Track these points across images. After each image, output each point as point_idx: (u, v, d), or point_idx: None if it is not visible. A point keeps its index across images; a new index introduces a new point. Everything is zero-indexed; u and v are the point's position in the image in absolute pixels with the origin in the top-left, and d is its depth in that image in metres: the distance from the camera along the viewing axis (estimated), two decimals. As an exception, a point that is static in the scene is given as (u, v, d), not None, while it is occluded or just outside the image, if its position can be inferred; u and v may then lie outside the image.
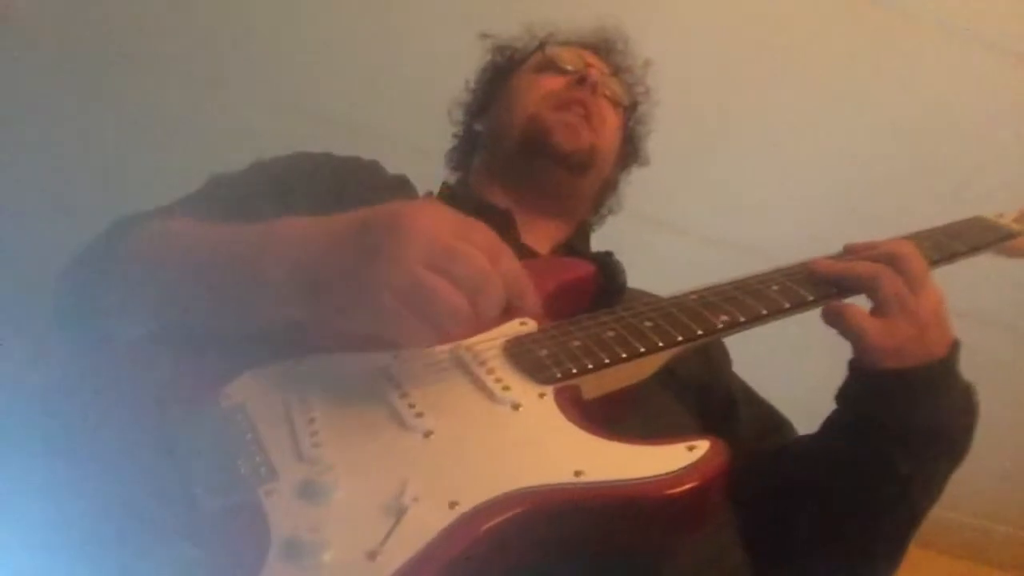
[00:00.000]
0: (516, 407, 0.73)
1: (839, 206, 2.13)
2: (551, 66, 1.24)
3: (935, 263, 0.94)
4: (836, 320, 0.87)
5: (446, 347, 0.80)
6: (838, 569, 0.95)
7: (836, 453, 0.93)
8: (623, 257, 1.00)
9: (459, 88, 1.39)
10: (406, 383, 0.75)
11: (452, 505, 0.61)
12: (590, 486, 0.64)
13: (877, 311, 0.86)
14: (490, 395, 0.73)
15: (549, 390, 0.74)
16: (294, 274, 0.70)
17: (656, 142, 1.39)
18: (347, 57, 1.98)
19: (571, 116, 1.17)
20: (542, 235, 1.18)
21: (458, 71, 1.37)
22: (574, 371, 0.77)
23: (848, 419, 0.92)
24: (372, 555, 0.57)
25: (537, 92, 1.21)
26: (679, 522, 0.67)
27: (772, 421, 1.09)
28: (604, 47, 1.32)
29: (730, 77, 2.06)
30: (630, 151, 1.34)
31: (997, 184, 1.99)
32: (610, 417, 0.76)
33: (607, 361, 0.78)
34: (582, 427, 0.70)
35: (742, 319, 0.84)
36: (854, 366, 0.90)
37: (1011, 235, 1.03)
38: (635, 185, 1.38)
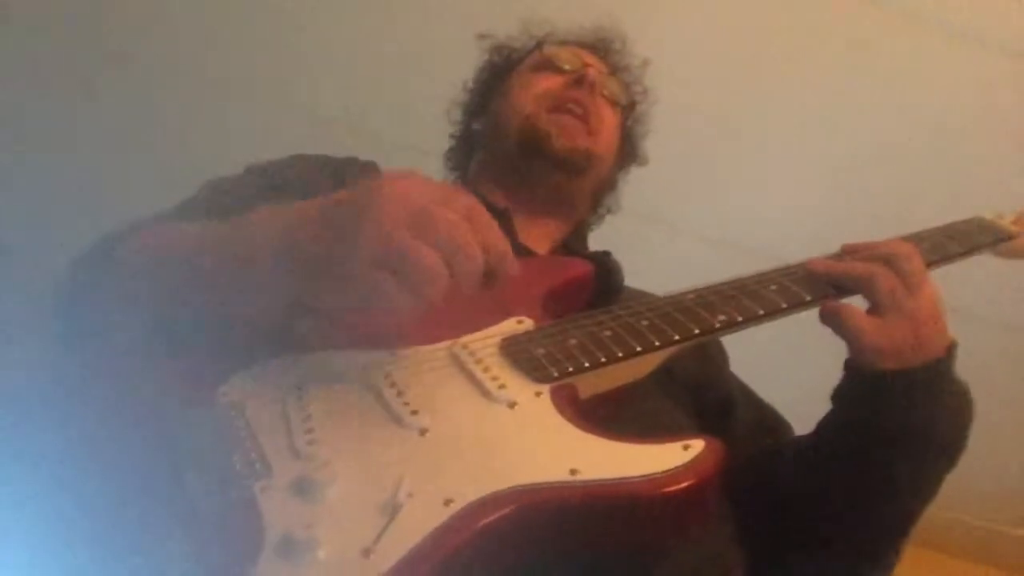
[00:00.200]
0: (512, 405, 0.72)
1: (838, 206, 2.13)
2: (549, 65, 1.24)
3: (933, 264, 0.94)
4: (833, 320, 0.87)
5: (443, 345, 0.80)
6: (834, 568, 0.96)
7: (831, 453, 0.93)
8: (621, 256, 1.00)
9: (458, 88, 1.38)
10: (402, 380, 0.74)
11: (447, 503, 0.61)
12: (585, 484, 0.64)
13: (874, 311, 0.86)
14: (486, 393, 0.73)
15: (545, 389, 0.74)
16: (280, 256, 0.69)
17: (655, 142, 1.39)
18: (347, 57, 1.99)
19: (568, 118, 1.17)
20: (540, 235, 1.18)
21: (457, 71, 1.37)
22: (571, 370, 0.77)
23: (843, 419, 0.92)
24: (366, 553, 0.57)
25: (534, 91, 1.20)
26: (674, 521, 0.67)
27: (769, 421, 1.09)
28: (602, 46, 1.32)
29: (729, 77, 2.06)
30: (628, 151, 1.34)
31: (997, 184, 1.99)
32: (606, 416, 0.76)
33: (604, 360, 0.78)
34: (578, 426, 0.70)
35: (739, 319, 0.84)
36: (850, 366, 0.90)
37: (1010, 236, 1.03)
38: (633, 184, 1.38)
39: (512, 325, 0.84)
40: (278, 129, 1.91)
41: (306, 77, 1.98)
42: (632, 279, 1.00)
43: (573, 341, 0.80)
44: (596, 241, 1.28)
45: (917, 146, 2.14)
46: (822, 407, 0.94)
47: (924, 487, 0.90)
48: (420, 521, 0.59)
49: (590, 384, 0.78)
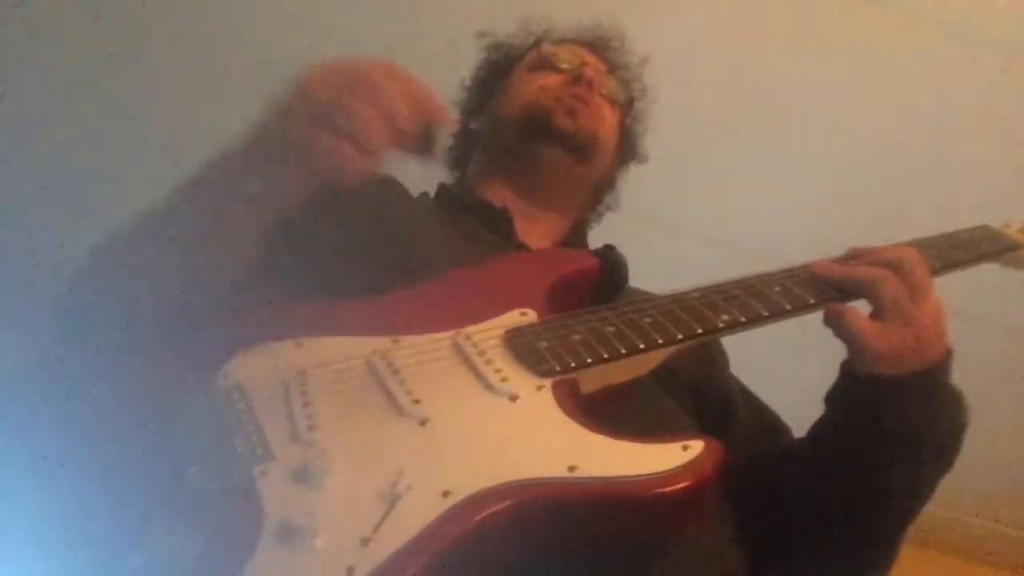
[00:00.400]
0: (513, 398, 0.73)
1: (837, 206, 2.12)
2: (547, 64, 1.23)
3: (938, 271, 0.94)
4: (835, 322, 0.87)
5: (446, 334, 0.80)
6: (831, 569, 0.96)
7: (824, 455, 0.93)
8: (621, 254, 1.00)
9: (457, 87, 1.38)
10: (404, 369, 0.75)
11: (445, 494, 0.61)
12: (583, 481, 0.64)
13: (876, 316, 0.86)
14: (488, 385, 0.74)
15: (547, 383, 0.75)
16: (249, 158, 0.79)
17: (655, 141, 1.38)
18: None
19: (573, 103, 1.17)
20: (540, 232, 1.17)
21: (457, 71, 1.36)
22: (573, 365, 0.77)
23: (835, 421, 0.92)
24: (364, 542, 0.57)
25: (534, 87, 1.20)
26: (672, 520, 0.67)
27: (769, 423, 1.09)
28: (600, 44, 1.31)
29: (730, 77, 2.05)
30: (627, 149, 1.34)
31: (997, 185, 1.99)
32: (607, 412, 0.77)
33: (606, 356, 0.78)
34: (578, 422, 0.70)
35: (743, 319, 0.84)
36: (846, 369, 0.90)
37: (1016, 246, 1.03)
38: (633, 184, 1.37)
39: (516, 317, 0.84)
40: None
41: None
42: (632, 279, 0.99)
43: (576, 336, 0.80)
44: (595, 240, 1.28)
45: (917, 146, 2.13)
46: (821, 409, 0.94)
47: (917, 490, 0.91)
48: (418, 512, 0.60)
49: (592, 379, 0.78)
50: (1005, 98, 2.12)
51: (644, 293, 0.97)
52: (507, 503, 0.61)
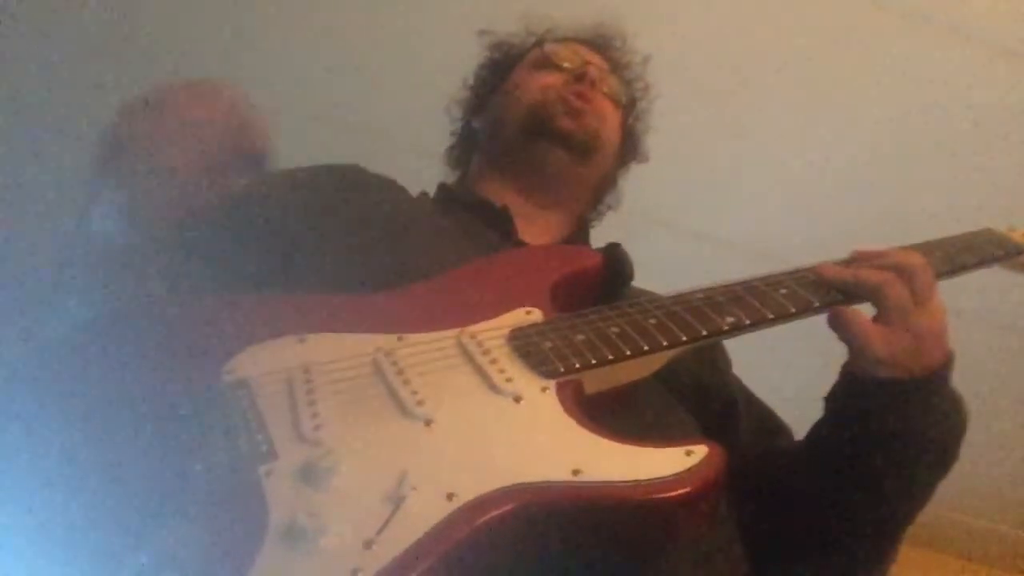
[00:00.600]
0: (518, 399, 0.73)
1: (841, 206, 2.12)
2: (549, 63, 1.23)
3: (944, 275, 0.94)
4: (838, 324, 0.87)
5: (451, 333, 0.80)
6: (829, 570, 0.97)
7: (822, 456, 0.94)
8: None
9: (459, 86, 1.37)
10: (409, 369, 0.75)
11: (449, 497, 0.61)
12: (587, 485, 0.64)
13: (880, 319, 0.86)
14: (492, 386, 0.74)
15: (551, 384, 0.75)
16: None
17: (658, 140, 1.37)
18: (348, 57, 1.97)
19: (575, 101, 1.16)
20: (541, 231, 1.16)
21: (458, 70, 1.36)
22: (577, 366, 0.77)
23: (834, 423, 0.93)
24: (368, 544, 0.58)
25: (536, 87, 1.19)
26: (674, 524, 0.68)
27: (770, 425, 1.10)
28: (602, 43, 1.30)
29: (731, 77, 2.05)
30: (629, 148, 1.33)
31: (998, 185, 1.99)
32: (611, 412, 0.77)
33: (611, 357, 0.78)
34: (582, 424, 0.71)
35: (747, 322, 0.84)
36: (846, 371, 0.90)
37: (1021, 251, 1.03)
38: (635, 183, 1.37)
39: (521, 316, 0.84)
40: (279, 128, 1.90)
41: (307, 77, 1.96)
42: (635, 279, 0.99)
43: (580, 337, 0.80)
44: (597, 239, 1.28)
45: (919, 146, 2.13)
46: (821, 410, 0.95)
47: (915, 493, 0.91)
48: (422, 515, 0.60)
49: (596, 380, 0.78)
50: (1007, 98, 2.11)
51: (648, 293, 0.97)
52: (511, 506, 0.62)
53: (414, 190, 1.22)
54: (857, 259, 0.93)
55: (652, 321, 0.83)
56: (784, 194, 2.15)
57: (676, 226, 2.14)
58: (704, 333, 0.83)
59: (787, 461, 0.99)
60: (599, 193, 1.31)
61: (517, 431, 0.70)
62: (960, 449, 0.91)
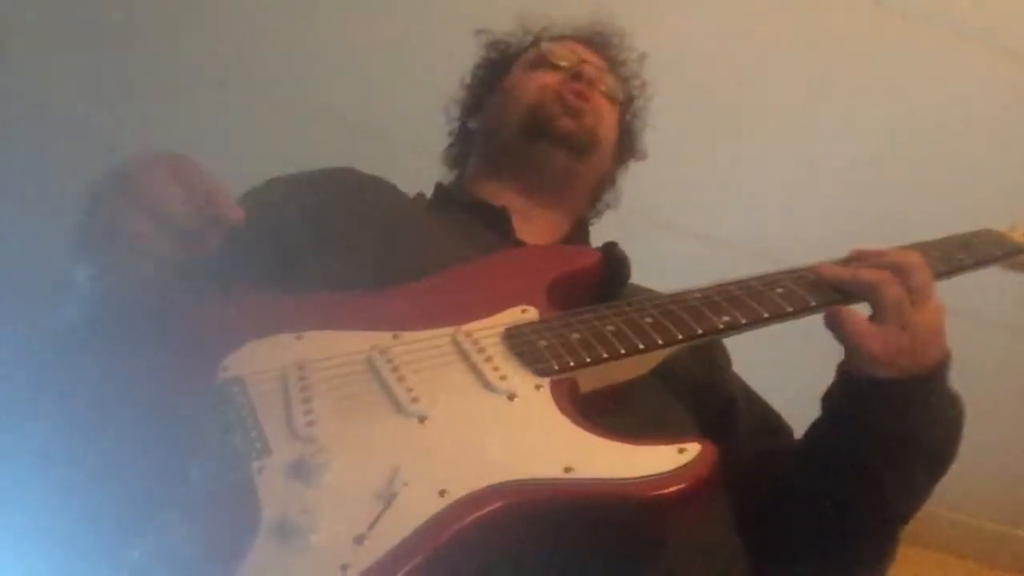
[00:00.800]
0: (512, 397, 0.73)
1: (839, 205, 2.12)
2: (545, 62, 1.23)
3: (942, 275, 0.94)
4: (834, 324, 0.87)
5: (447, 331, 0.81)
6: (827, 568, 0.97)
7: (819, 455, 0.94)
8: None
9: (456, 85, 1.37)
10: (404, 366, 0.75)
11: (441, 493, 0.62)
12: (579, 483, 0.64)
13: (876, 318, 0.86)
14: (487, 384, 0.74)
15: (546, 382, 0.75)
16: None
17: (656, 139, 1.37)
18: (347, 57, 1.97)
19: (573, 100, 1.16)
20: (539, 231, 1.16)
21: (458, 70, 1.36)
22: (572, 364, 0.77)
23: (831, 422, 0.93)
24: (359, 539, 0.58)
25: (533, 86, 1.20)
26: (667, 521, 0.68)
27: (770, 423, 1.09)
28: (599, 41, 1.30)
29: (730, 77, 2.05)
30: (627, 146, 1.33)
31: (997, 184, 1.98)
32: (606, 411, 0.77)
33: (605, 356, 0.78)
34: (575, 422, 0.71)
35: (743, 321, 0.84)
36: (843, 370, 0.90)
37: (1020, 250, 1.03)
38: (634, 182, 1.37)
39: (516, 314, 0.84)
40: (279, 128, 1.92)
41: (307, 77, 1.96)
42: (633, 277, 0.99)
43: (576, 335, 0.80)
44: (596, 239, 1.28)
45: (918, 146, 2.12)
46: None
47: (911, 492, 0.91)
48: (414, 511, 0.60)
49: (591, 378, 0.78)
50: (1007, 98, 2.11)
51: (646, 291, 0.97)
52: (502, 503, 0.62)
53: (414, 189, 1.23)
54: (855, 258, 0.93)
55: (648, 320, 0.83)
56: (784, 194, 2.15)
57: (676, 226, 2.14)
58: (700, 332, 0.83)
59: (786, 460, 0.99)
60: (598, 192, 1.31)
61: (510, 429, 0.70)
62: (958, 448, 0.91)
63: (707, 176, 2.11)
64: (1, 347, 0.72)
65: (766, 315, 0.85)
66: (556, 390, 0.74)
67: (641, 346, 0.80)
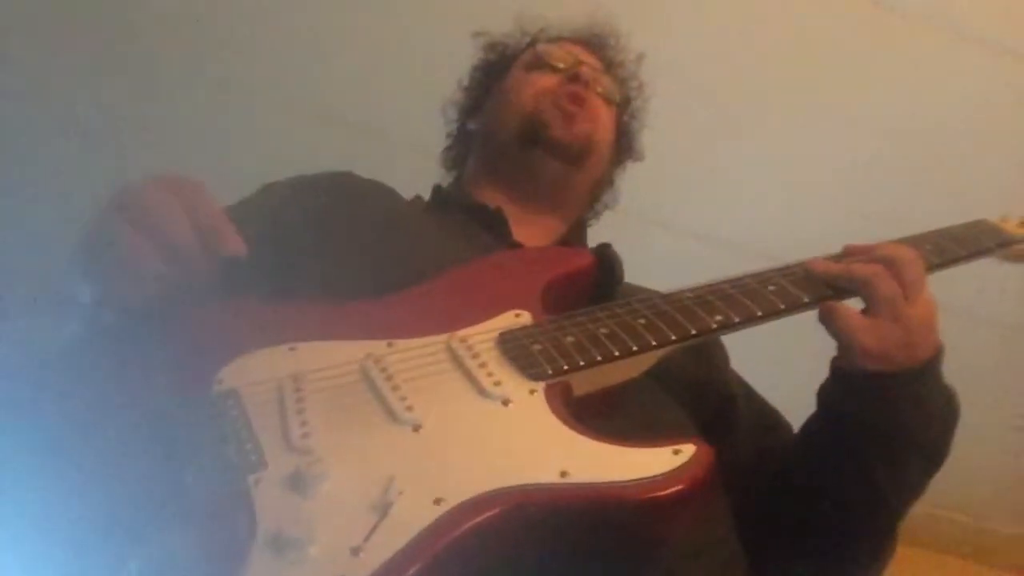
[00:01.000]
0: (506, 403, 0.73)
1: (837, 205, 2.12)
2: (542, 64, 1.23)
3: (935, 267, 0.94)
4: (828, 319, 0.87)
5: (440, 338, 0.81)
6: (824, 564, 0.97)
7: (814, 450, 0.94)
8: (620, 254, 1.00)
9: (454, 87, 1.37)
10: (398, 374, 0.75)
11: (437, 502, 0.62)
12: (575, 487, 0.64)
13: (869, 312, 0.86)
14: (481, 390, 0.74)
15: (540, 387, 0.75)
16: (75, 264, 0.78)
17: (654, 139, 1.37)
18: (347, 57, 1.97)
19: (569, 105, 1.16)
20: (536, 233, 1.17)
21: (458, 70, 1.36)
22: (566, 368, 0.77)
23: (825, 417, 0.93)
24: (356, 551, 0.58)
25: (530, 90, 1.20)
26: (664, 523, 0.68)
27: (769, 420, 1.10)
28: (596, 42, 1.30)
29: (729, 76, 2.05)
30: (624, 147, 1.33)
31: (997, 184, 1.98)
32: (601, 413, 0.77)
33: (599, 359, 0.79)
34: (570, 426, 0.71)
35: (736, 320, 0.84)
36: (836, 365, 0.90)
37: (1013, 241, 1.03)
38: (631, 183, 1.37)
39: (510, 319, 0.84)
40: (279, 128, 1.92)
41: (307, 77, 1.97)
42: (629, 278, 1.00)
43: (570, 338, 0.80)
44: (594, 239, 1.28)
45: (918, 146, 2.12)
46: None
47: (904, 488, 0.92)
48: (410, 520, 0.60)
49: (585, 381, 0.78)
50: (1006, 98, 2.11)
51: (642, 290, 0.97)
52: (499, 509, 0.62)
53: (414, 190, 1.23)
54: (848, 254, 0.94)
55: (641, 321, 0.83)
56: (784, 194, 2.15)
57: (675, 226, 2.14)
58: (693, 332, 0.83)
59: (783, 457, 1.00)
60: (595, 194, 1.31)
61: (505, 434, 0.70)
62: (952, 440, 0.91)
63: (706, 176, 2.11)
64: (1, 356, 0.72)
65: (759, 313, 0.85)
66: (550, 394, 0.74)
67: (635, 347, 0.80)
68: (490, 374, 0.75)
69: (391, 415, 0.70)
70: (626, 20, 1.34)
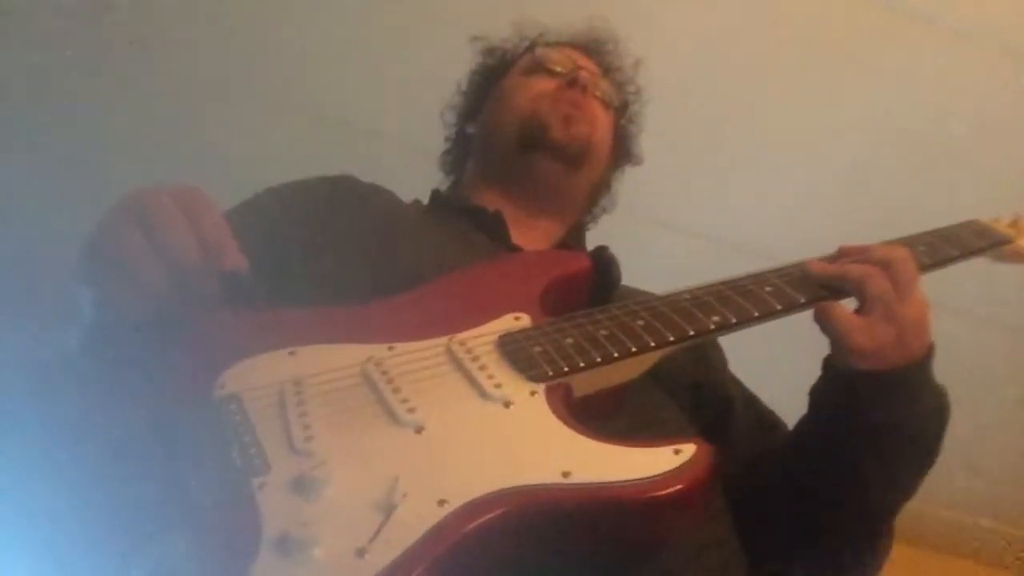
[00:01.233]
0: (507, 405, 0.73)
1: (836, 205, 2.13)
2: (541, 68, 1.24)
3: (928, 267, 0.95)
4: (822, 319, 0.88)
5: (440, 340, 0.81)
6: (821, 562, 0.98)
7: (807, 449, 0.95)
8: (618, 255, 1.00)
9: (452, 91, 1.38)
10: (399, 378, 0.75)
11: (440, 503, 0.62)
12: (577, 487, 0.65)
13: (862, 311, 0.87)
14: (482, 392, 0.74)
15: (540, 388, 0.75)
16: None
17: (653, 140, 1.38)
18: (347, 57, 1.98)
19: (567, 108, 1.17)
20: (535, 236, 1.17)
21: (458, 71, 1.37)
22: (566, 369, 0.78)
23: (818, 416, 0.94)
24: (361, 552, 0.58)
25: (529, 94, 1.21)
26: (665, 522, 0.69)
27: (767, 422, 1.10)
28: (594, 47, 1.31)
29: (727, 76, 2.05)
30: (622, 151, 1.34)
31: (996, 184, 1.99)
32: (601, 414, 0.78)
33: (599, 360, 0.79)
34: (571, 427, 0.71)
35: (734, 320, 0.85)
36: (828, 364, 0.91)
37: (1005, 240, 1.04)
38: (630, 184, 1.38)
39: (510, 321, 0.85)
40: (279, 129, 1.92)
41: (307, 77, 1.97)
42: (628, 278, 1.00)
43: (569, 340, 0.81)
44: (593, 241, 1.28)
45: (916, 146, 2.13)
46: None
47: (898, 484, 0.92)
48: (414, 521, 0.61)
49: (585, 383, 0.79)
50: (1005, 98, 2.12)
51: (640, 292, 0.98)
52: (502, 510, 0.62)
53: (414, 193, 1.23)
54: (842, 255, 0.94)
55: (640, 323, 0.84)
56: (783, 194, 2.15)
57: (675, 226, 2.15)
58: (691, 333, 0.83)
59: (777, 456, 1.00)
60: (594, 197, 1.32)
61: (507, 436, 0.71)
62: (943, 438, 0.92)
63: (707, 176, 2.12)
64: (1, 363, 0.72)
65: (756, 314, 0.86)
66: (551, 395, 0.75)
67: (633, 349, 0.81)
68: (491, 376, 0.76)
69: (393, 417, 0.71)
70: (624, 24, 1.34)
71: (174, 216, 0.73)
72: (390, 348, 0.80)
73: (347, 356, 0.78)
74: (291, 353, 0.78)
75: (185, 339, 0.77)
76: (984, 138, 2.12)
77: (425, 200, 1.26)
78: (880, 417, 0.87)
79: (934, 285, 0.92)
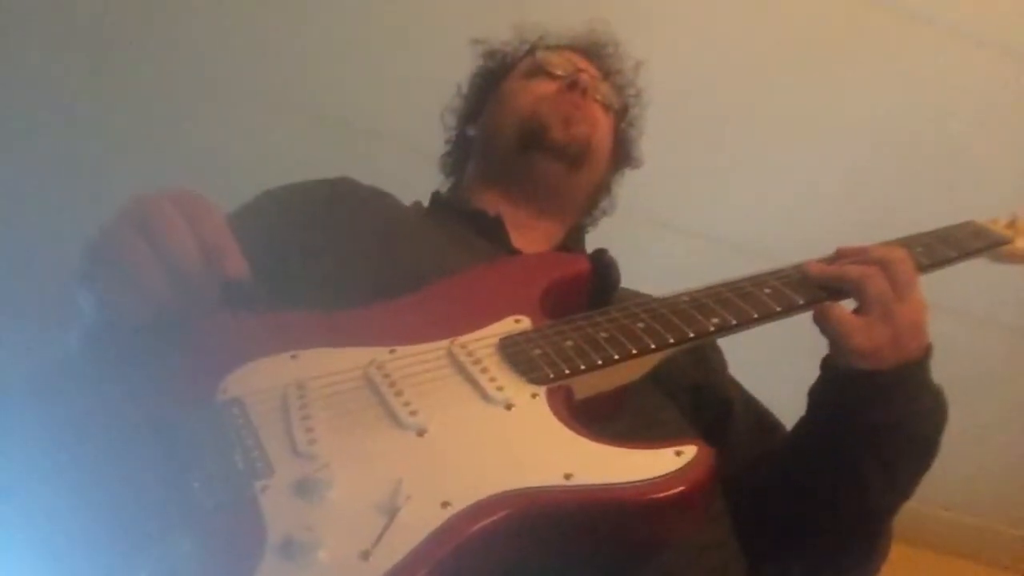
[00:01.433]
0: (509, 407, 0.74)
1: (836, 205, 2.13)
2: (541, 71, 1.24)
3: (926, 268, 0.95)
4: (821, 320, 0.89)
5: (442, 343, 0.81)
6: (820, 562, 0.98)
7: (805, 449, 0.95)
8: (617, 257, 1.01)
9: (453, 94, 1.38)
10: (401, 380, 0.76)
11: (444, 505, 0.62)
12: (579, 489, 0.65)
13: (861, 312, 0.88)
14: (484, 394, 0.75)
15: (541, 390, 0.76)
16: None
17: (653, 141, 1.38)
18: (347, 57, 1.98)
19: (568, 109, 1.18)
20: (534, 239, 1.18)
21: (458, 72, 1.37)
22: (567, 372, 0.78)
23: (816, 416, 0.94)
24: (365, 555, 0.58)
25: (529, 96, 1.21)
26: (666, 524, 0.69)
27: (767, 424, 1.11)
28: (594, 50, 1.32)
29: (727, 77, 2.06)
30: (622, 154, 1.34)
31: (996, 184, 2.00)
32: (602, 416, 0.78)
33: (599, 362, 0.80)
34: (572, 429, 0.72)
35: (733, 322, 0.86)
36: (826, 364, 0.92)
37: (1003, 241, 1.05)
38: (630, 185, 1.38)
39: (510, 324, 0.85)
40: (279, 129, 1.92)
41: (306, 77, 1.97)
42: (628, 279, 1.01)
43: (569, 342, 0.81)
44: (592, 242, 1.29)
45: (916, 146, 2.14)
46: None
47: (896, 484, 0.93)
48: (418, 524, 0.61)
49: (586, 385, 0.79)
50: (1005, 98, 2.12)
51: (639, 295, 0.98)
52: (505, 512, 0.63)
53: (414, 195, 1.24)
54: (841, 256, 0.95)
55: (639, 325, 0.84)
56: (783, 194, 2.16)
57: (675, 226, 2.15)
58: (691, 335, 0.84)
59: (776, 457, 1.01)
60: (593, 200, 1.32)
61: (509, 438, 0.71)
62: (940, 438, 0.92)
63: (707, 176, 2.12)
64: (4, 369, 0.73)
65: (755, 315, 0.87)
66: (552, 398, 0.75)
67: (633, 351, 0.81)
68: (492, 379, 0.76)
69: (395, 420, 0.71)
70: (624, 27, 1.35)
71: (175, 221, 0.73)
72: (392, 351, 0.80)
73: (349, 359, 0.78)
74: (293, 356, 0.79)
75: (187, 343, 0.77)
76: (984, 138, 2.12)
77: (425, 201, 1.26)
78: (879, 417, 0.88)
79: (932, 286, 0.93)
